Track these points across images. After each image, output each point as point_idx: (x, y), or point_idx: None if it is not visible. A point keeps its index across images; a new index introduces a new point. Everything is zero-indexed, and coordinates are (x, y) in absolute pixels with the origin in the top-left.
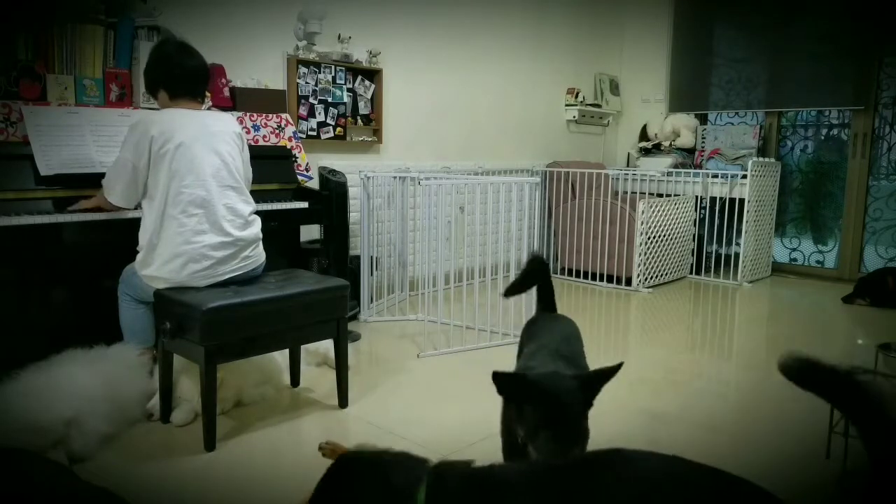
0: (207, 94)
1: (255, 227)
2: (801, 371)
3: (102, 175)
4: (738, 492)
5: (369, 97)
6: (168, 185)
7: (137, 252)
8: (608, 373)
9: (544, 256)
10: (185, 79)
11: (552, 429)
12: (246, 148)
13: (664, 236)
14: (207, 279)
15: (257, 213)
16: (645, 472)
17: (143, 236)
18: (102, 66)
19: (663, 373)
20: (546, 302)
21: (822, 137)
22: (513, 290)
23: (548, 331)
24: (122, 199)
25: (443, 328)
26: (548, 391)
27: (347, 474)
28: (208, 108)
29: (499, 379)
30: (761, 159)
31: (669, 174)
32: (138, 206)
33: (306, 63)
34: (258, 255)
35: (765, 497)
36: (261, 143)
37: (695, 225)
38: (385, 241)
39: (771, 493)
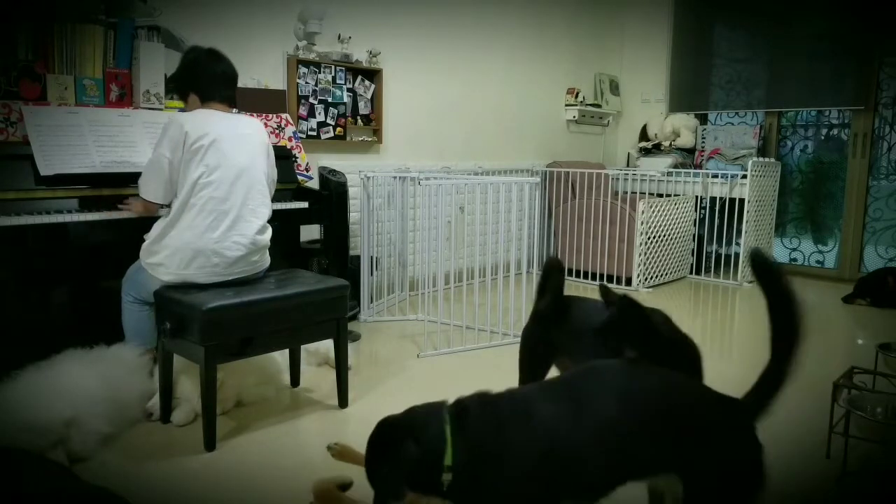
0: None
1: (268, 233)
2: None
3: (102, 175)
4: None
5: (369, 97)
6: (196, 179)
7: (144, 241)
8: None
9: (544, 257)
10: (216, 82)
11: None
12: (271, 149)
13: (664, 236)
14: (213, 277)
15: None
16: (620, 380)
17: (157, 226)
18: (102, 66)
19: None
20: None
21: (822, 137)
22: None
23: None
24: (157, 195)
25: (443, 328)
26: None
27: (382, 439)
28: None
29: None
30: (761, 159)
31: (669, 174)
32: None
33: (306, 63)
34: (264, 259)
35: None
36: None
37: (695, 225)
38: (385, 241)
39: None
